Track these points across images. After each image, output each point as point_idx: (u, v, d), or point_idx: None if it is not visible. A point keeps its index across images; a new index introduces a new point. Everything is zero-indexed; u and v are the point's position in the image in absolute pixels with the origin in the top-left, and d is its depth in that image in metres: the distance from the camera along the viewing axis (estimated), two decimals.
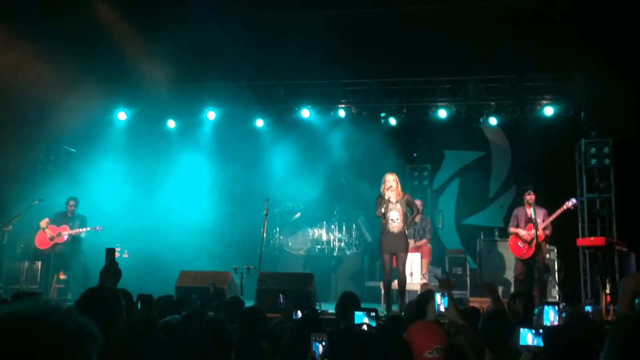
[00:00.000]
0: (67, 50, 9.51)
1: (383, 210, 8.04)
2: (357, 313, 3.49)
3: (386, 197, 8.01)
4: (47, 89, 9.62)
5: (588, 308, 5.59)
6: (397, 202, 8.04)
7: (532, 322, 4.11)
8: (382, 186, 8.13)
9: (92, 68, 10.12)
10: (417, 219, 9.92)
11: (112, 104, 11.94)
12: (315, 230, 11.75)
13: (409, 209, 8.23)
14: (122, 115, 12.00)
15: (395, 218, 8.01)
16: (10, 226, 9.60)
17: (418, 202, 9.56)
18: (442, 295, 3.53)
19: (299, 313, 5.72)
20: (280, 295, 5.05)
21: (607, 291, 8.52)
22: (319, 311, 7.88)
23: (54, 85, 9.66)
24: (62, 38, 9.44)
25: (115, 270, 3.34)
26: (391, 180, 8.06)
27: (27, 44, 9.46)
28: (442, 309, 3.49)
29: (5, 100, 9.51)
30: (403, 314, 6.98)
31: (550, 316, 3.81)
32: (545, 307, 3.93)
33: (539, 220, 8.73)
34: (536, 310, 4.62)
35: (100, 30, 9.76)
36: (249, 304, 5.82)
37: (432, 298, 4.24)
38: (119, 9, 9.83)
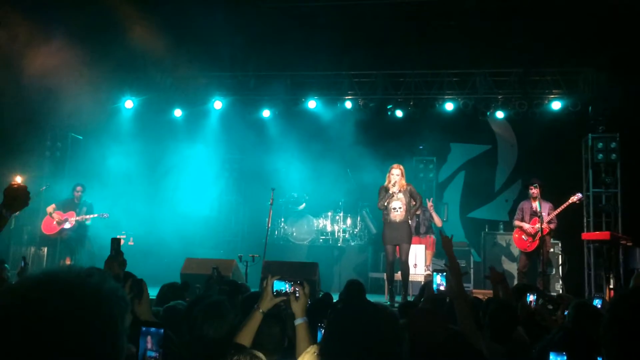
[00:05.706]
0: (74, 37, 9.53)
1: (386, 203, 8.04)
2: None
3: (390, 191, 8.02)
4: (54, 75, 9.64)
5: (597, 302, 5.48)
6: (399, 192, 8.04)
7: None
8: (387, 177, 8.14)
9: (100, 56, 10.13)
10: (419, 211, 9.93)
11: (120, 92, 11.98)
12: (320, 220, 11.77)
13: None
14: (129, 104, 12.01)
15: (397, 207, 8.00)
16: (17, 211, 9.63)
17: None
18: (441, 276, 3.45)
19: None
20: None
21: (611, 285, 8.55)
22: None
23: (62, 72, 9.68)
24: (69, 25, 9.45)
25: (120, 259, 3.37)
26: (396, 174, 8.06)
27: (34, 31, 9.48)
28: (441, 288, 3.43)
29: (12, 86, 9.54)
30: (413, 299, 6.98)
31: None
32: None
33: (544, 213, 8.73)
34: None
35: (108, 18, 9.76)
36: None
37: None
38: None
